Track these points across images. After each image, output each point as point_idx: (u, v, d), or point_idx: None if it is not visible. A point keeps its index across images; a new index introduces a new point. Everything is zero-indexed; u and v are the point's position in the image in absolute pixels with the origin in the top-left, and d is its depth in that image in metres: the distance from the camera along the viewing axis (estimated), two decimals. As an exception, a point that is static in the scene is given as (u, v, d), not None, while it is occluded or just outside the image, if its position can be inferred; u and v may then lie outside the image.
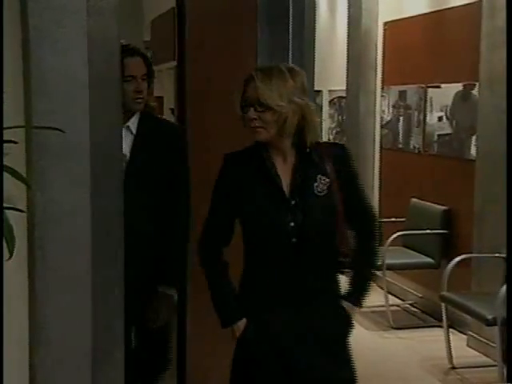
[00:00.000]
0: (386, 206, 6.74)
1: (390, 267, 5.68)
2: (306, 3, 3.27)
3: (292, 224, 2.30)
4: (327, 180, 2.33)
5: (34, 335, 2.13)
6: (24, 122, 2.05)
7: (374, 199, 6.85)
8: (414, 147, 6.34)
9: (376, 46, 7.01)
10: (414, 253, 5.84)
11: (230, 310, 2.42)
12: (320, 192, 2.32)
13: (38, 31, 2.05)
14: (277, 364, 2.35)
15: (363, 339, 5.13)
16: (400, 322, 5.50)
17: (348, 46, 7.34)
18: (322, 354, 2.35)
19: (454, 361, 4.83)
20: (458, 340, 5.15)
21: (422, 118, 6.19)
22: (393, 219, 6.13)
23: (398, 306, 6.18)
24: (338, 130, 8.21)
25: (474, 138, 5.40)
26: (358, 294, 2.46)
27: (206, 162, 2.92)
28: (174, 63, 4.03)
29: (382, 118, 7.00)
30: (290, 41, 3.12)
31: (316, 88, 7.73)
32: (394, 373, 4.67)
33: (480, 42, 5.11)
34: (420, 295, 6.10)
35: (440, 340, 4.94)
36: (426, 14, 6.13)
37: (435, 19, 6.00)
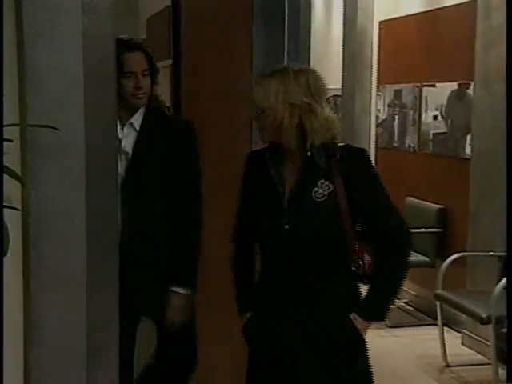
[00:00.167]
0: (382, 205, 6.73)
1: (385, 266, 5.67)
2: (302, 3, 3.29)
3: (286, 227, 2.28)
4: (330, 185, 2.27)
5: (28, 334, 2.13)
6: (19, 121, 2.05)
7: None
8: (410, 146, 6.34)
9: (371, 45, 7.01)
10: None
11: (242, 300, 2.49)
12: (318, 197, 2.26)
13: (33, 30, 2.05)
14: (275, 363, 2.35)
15: (358, 338, 5.13)
16: (395, 320, 5.50)
17: (343, 45, 7.34)
18: (320, 358, 2.32)
19: (449, 359, 4.84)
20: (452, 338, 5.16)
21: (417, 116, 6.20)
22: (388, 218, 6.13)
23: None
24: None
25: (468, 136, 5.41)
26: (369, 307, 2.34)
27: (202, 161, 2.91)
28: (170, 62, 4.01)
29: (377, 116, 7.00)
30: (286, 40, 3.12)
31: (311, 87, 7.71)
32: (388, 371, 4.67)
33: (475, 41, 5.12)
34: (415, 293, 6.10)
35: (435, 338, 4.95)
36: (421, 13, 6.14)
37: (430, 18, 6.00)
